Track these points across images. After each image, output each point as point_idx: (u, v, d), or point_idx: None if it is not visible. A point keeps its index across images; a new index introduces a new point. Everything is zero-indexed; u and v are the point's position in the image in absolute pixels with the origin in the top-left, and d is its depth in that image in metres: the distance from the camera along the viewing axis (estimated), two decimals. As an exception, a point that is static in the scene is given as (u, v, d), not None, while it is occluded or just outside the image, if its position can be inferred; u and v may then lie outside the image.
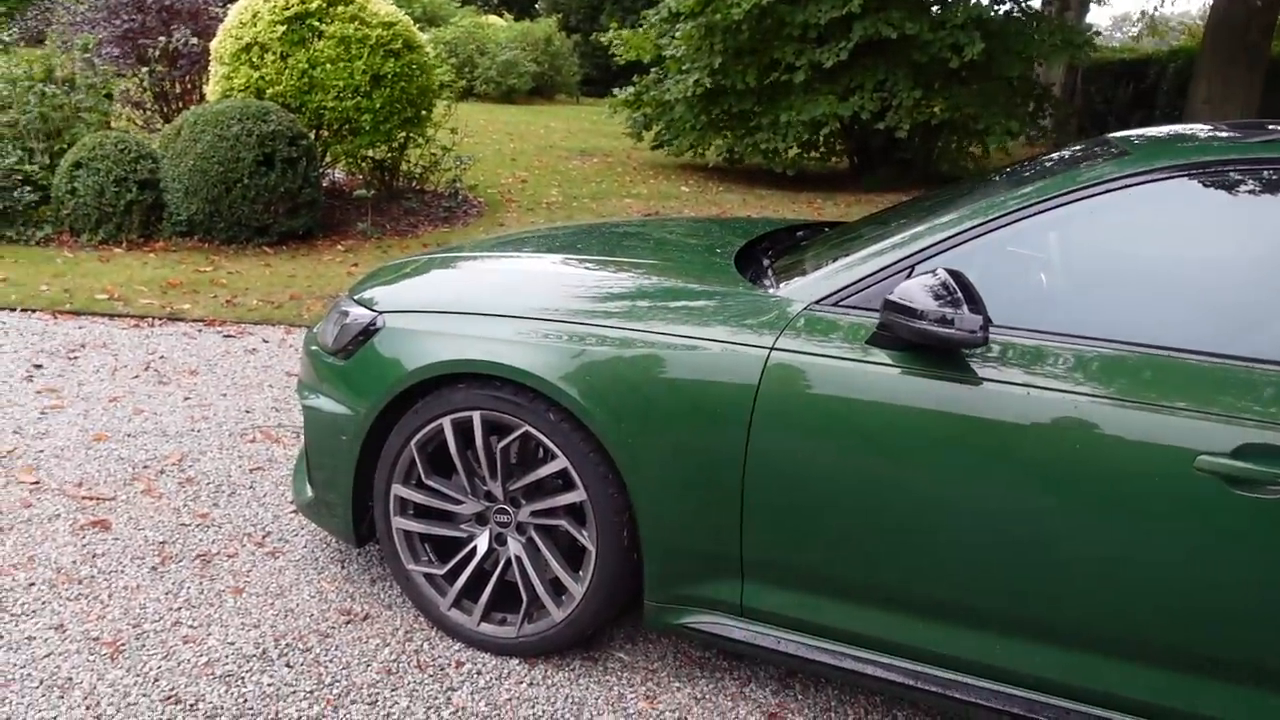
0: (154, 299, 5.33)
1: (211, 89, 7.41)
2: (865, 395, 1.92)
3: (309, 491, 2.63)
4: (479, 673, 2.32)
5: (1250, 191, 1.93)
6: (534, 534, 2.33)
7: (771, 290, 2.16)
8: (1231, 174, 1.91)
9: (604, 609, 2.27)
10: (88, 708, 2.13)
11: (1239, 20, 10.47)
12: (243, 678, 2.25)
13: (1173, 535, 1.73)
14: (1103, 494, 1.76)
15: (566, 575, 2.27)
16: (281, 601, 2.57)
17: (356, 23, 7.23)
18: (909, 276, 1.95)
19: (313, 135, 7.15)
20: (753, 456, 1.99)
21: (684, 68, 10.41)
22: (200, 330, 4.96)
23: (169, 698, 2.17)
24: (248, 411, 3.87)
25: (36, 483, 3.16)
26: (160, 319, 5.08)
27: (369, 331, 2.41)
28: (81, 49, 7.70)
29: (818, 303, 2.04)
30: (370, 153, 7.77)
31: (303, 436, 2.71)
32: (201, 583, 2.63)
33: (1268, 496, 1.66)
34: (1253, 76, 10.52)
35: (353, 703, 2.19)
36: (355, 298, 2.55)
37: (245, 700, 2.18)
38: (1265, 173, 1.91)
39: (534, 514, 2.30)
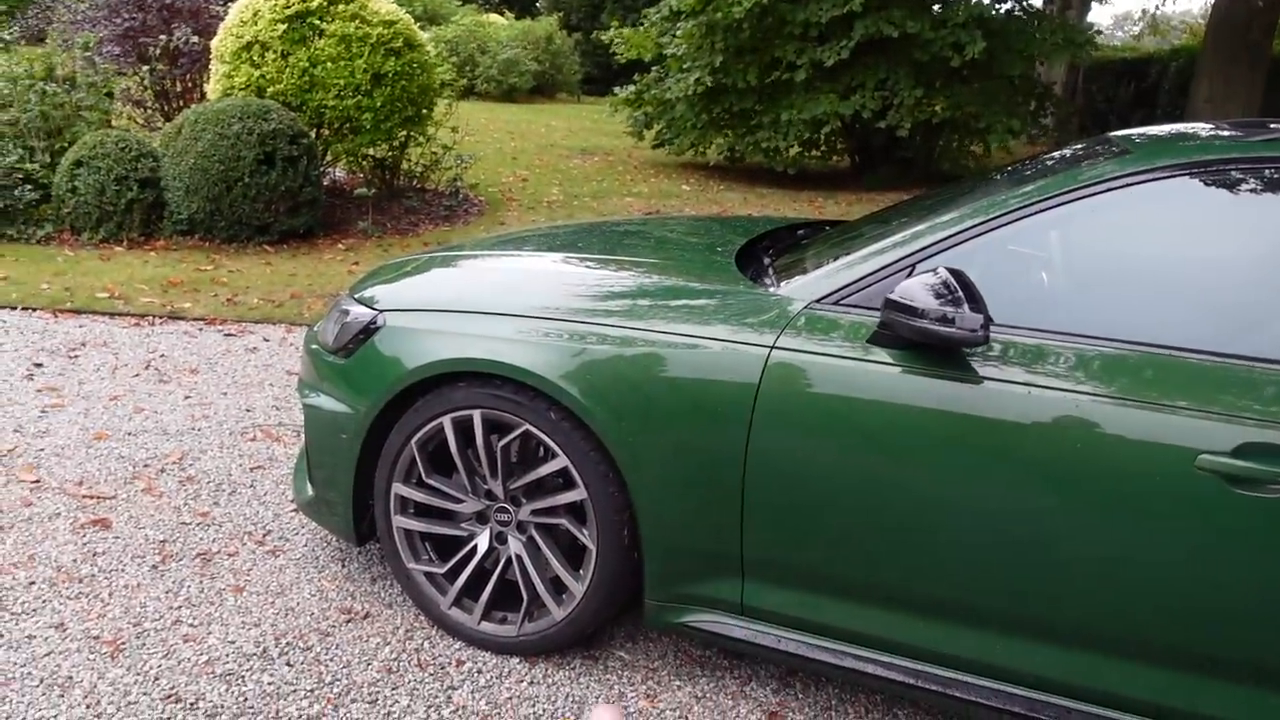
0: (155, 297, 5.33)
1: (212, 87, 7.41)
2: (866, 394, 1.92)
3: (309, 490, 2.63)
4: (479, 671, 2.32)
5: (1252, 191, 1.92)
6: (534, 533, 2.32)
7: (772, 289, 2.16)
8: (1233, 173, 1.91)
9: (604, 608, 2.27)
10: (88, 706, 2.13)
11: (1241, 19, 10.46)
12: (243, 676, 2.25)
13: (1173, 534, 1.73)
14: (1103, 493, 1.76)
15: (567, 574, 2.27)
16: (282, 600, 2.57)
17: (357, 21, 7.23)
18: (910, 275, 1.94)
19: (313, 134, 7.15)
20: (753, 455, 1.99)
21: (685, 66, 10.41)
22: (201, 329, 4.96)
23: (169, 696, 2.17)
24: (248, 410, 3.87)
25: (37, 481, 3.16)
26: (161, 318, 5.08)
27: (369, 330, 2.41)
28: (82, 47, 7.71)
29: (818, 301, 2.04)
30: (371, 151, 7.78)
31: (303, 435, 2.71)
32: (202, 581, 2.63)
33: (1268, 496, 1.66)
34: (1254, 75, 10.52)
35: (353, 701, 2.19)
36: (356, 296, 2.55)
37: (245, 699, 2.18)
38: (1267, 172, 1.90)
39: (534, 513, 2.30)
